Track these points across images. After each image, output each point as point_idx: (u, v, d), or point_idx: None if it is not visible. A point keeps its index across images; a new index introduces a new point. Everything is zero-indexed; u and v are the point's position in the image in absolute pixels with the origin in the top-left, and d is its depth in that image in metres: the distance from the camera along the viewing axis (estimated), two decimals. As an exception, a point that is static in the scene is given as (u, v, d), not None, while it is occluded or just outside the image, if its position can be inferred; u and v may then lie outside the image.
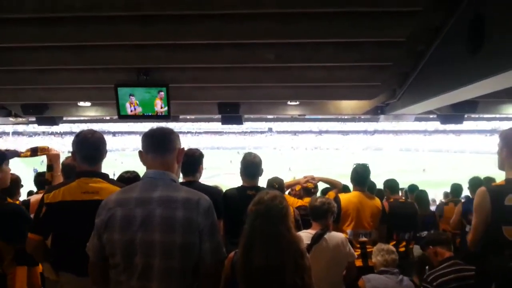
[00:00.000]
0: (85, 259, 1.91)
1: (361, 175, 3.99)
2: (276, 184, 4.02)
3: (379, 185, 5.99)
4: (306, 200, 4.20)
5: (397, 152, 63.17)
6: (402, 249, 4.36)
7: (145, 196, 1.76)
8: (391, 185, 5.09)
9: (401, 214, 4.44)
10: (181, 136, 2.06)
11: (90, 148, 2.36)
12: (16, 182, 3.35)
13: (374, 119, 8.13)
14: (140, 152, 1.92)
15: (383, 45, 4.50)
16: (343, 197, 3.91)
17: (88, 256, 1.89)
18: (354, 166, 4.06)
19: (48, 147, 3.19)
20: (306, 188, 4.76)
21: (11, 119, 7.65)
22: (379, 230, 3.92)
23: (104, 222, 1.76)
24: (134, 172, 3.57)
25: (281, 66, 5.22)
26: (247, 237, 1.94)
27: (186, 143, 3.32)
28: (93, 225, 1.85)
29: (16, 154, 2.73)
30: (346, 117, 9.23)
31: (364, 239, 3.75)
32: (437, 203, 9.23)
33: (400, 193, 5.31)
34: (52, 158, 3.15)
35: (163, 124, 2.05)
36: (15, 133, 71.51)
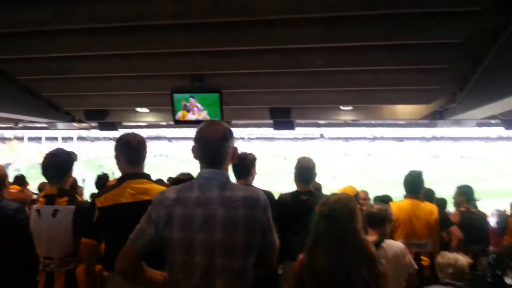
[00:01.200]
0: None
1: (413, 182, 3.80)
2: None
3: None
4: None
5: (456, 159, 60.05)
6: (471, 261, 4.08)
7: (205, 196, 1.76)
8: (466, 192, 4.75)
9: (472, 225, 4.17)
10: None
11: (133, 151, 2.42)
12: (73, 185, 3.54)
13: (432, 125, 7.79)
14: (193, 148, 1.88)
15: (440, 47, 4.33)
16: (394, 205, 3.72)
17: None
18: (407, 173, 3.91)
19: None
20: None
21: (75, 124, 8.14)
22: (447, 234, 3.70)
23: (163, 219, 1.76)
24: (189, 174, 3.69)
25: (330, 71, 5.15)
26: (312, 239, 1.92)
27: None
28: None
29: (76, 156, 2.91)
30: (401, 122, 8.90)
31: (418, 250, 3.56)
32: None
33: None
34: None
35: None
36: (79, 138, 75.79)
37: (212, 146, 1.83)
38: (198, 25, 4.05)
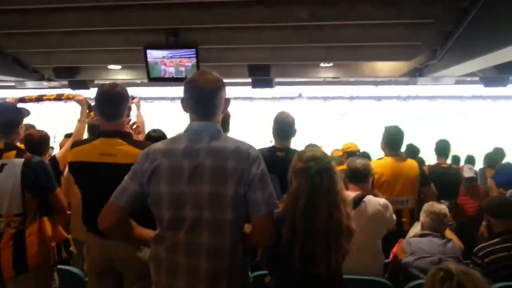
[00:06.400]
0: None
1: (393, 137, 3.73)
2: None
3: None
4: None
5: (433, 118, 61.27)
6: None
7: (192, 147, 1.67)
8: (440, 147, 4.73)
9: (441, 180, 4.18)
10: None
11: (107, 103, 2.14)
12: (45, 140, 3.35)
13: (412, 82, 7.74)
14: (182, 99, 1.77)
15: (425, 1, 4.20)
16: (374, 164, 3.59)
17: None
18: (386, 128, 3.81)
19: (73, 94, 3.29)
20: (351, 152, 4.61)
21: (44, 83, 7.74)
22: (424, 192, 3.71)
23: (149, 172, 1.67)
24: (161, 131, 3.56)
25: (314, 25, 4.99)
26: (306, 195, 1.81)
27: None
28: (111, 188, 1.72)
29: (28, 112, 2.70)
30: (381, 80, 8.83)
31: (400, 206, 3.55)
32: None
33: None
34: (79, 103, 3.23)
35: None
36: (52, 98, 73.83)
37: (206, 96, 1.73)
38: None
